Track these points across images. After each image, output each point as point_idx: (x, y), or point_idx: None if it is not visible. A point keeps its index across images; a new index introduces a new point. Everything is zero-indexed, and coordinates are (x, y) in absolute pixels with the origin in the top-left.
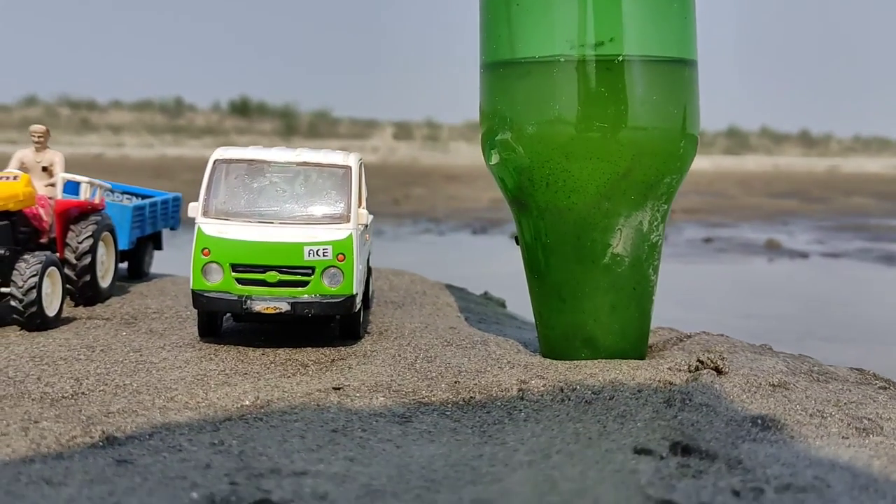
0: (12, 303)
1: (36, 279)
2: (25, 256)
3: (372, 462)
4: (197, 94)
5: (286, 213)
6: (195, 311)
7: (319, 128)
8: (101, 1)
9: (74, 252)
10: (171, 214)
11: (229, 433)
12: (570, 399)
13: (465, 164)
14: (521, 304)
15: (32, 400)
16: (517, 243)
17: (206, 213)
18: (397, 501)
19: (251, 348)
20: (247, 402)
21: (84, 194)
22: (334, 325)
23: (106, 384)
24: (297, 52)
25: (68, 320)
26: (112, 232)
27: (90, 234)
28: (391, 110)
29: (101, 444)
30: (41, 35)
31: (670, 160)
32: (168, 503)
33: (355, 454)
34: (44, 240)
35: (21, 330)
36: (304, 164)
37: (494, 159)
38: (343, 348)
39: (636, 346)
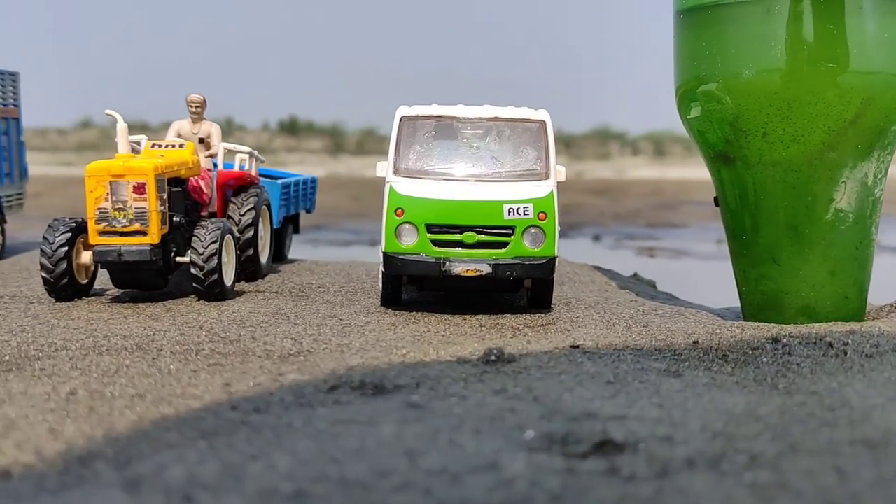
0: (192, 270)
1: (216, 246)
2: (203, 223)
3: (688, 408)
4: (247, 115)
5: (481, 170)
6: (374, 281)
7: (367, 145)
8: (151, 26)
9: (237, 225)
10: (309, 196)
11: (499, 383)
12: (845, 353)
13: None
14: (669, 286)
15: (258, 357)
16: (717, 205)
17: (396, 172)
18: (753, 443)
19: (447, 315)
20: (492, 358)
21: (240, 165)
22: (517, 294)
23: (326, 343)
24: (343, 72)
25: (239, 293)
26: (269, 207)
27: (252, 206)
28: None
29: (369, 392)
30: (95, 60)
31: None
32: (502, 441)
33: (661, 401)
34: (204, 213)
35: (199, 300)
36: (496, 119)
37: (695, 112)
38: (542, 315)
39: (856, 313)
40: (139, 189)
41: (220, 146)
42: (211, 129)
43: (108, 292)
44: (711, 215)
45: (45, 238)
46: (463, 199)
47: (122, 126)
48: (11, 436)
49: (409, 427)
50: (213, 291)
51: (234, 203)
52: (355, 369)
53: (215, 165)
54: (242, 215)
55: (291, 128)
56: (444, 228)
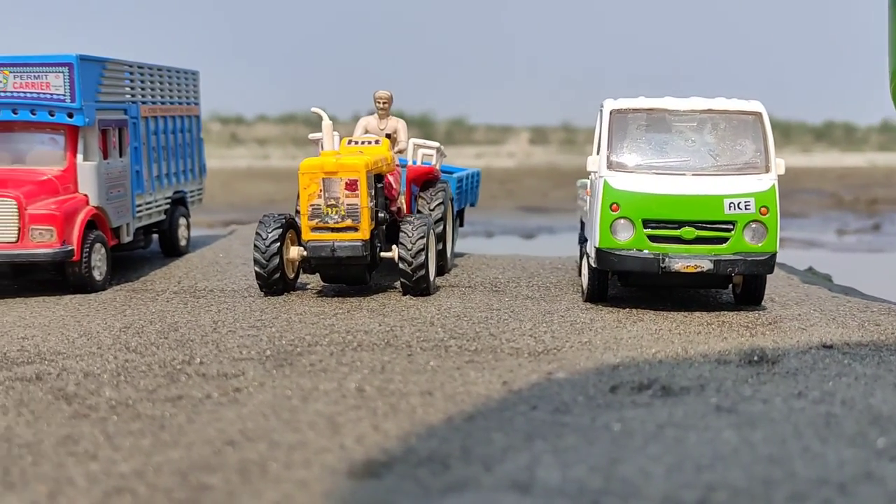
0: (401, 266)
1: (423, 242)
2: (409, 219)
3: None
4: (337, 107)
5: (698, 163)
6: (557, 274)
7: (456, 135)
8: (246, 25)
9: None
10: (473, 190)
11: (788, 386)
12: None
13: None
14: (841, 279)
15: (508, 354)
16: None
17: (610, 166)
18: None
19: (664, 311)
20: (755, 358)
21: (423, 160)
22: (720, 290)
23: (566, 340)
24: (433, 62)
25: (437, 287)
26: (451, 202)
27: (441, 201)
28: (526, 116)
29: (658, 393)
30: (194, 58)
31: None
32: (855, 449)
33: None
34: (393, 208)
35: (404, 294)
36: (710, 111)
37: None
38: (762, 312)
39: None
40: (351, 186)
41: (409, 142)
42: (397, 124)
43: (308, 286)
44: (831, 205)
45: (257, 234)
46: (681, 193)
47: (327, 123)
48: (343, 432)
49: (748, 432)
50: (420, 286)
51: (422, 198)
52: (619, 368)
53: (403, 161)
54: (432, 210)
55: None
56: (661, 224)
